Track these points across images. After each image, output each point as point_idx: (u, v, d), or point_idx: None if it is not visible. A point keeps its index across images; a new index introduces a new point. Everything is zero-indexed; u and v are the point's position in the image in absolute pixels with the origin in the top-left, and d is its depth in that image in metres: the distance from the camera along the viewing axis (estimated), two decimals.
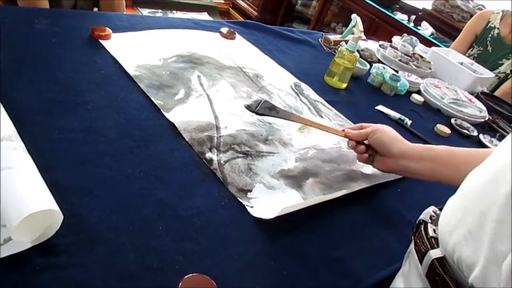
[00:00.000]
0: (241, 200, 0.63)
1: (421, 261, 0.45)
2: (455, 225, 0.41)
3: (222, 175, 0.67)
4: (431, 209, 0.51)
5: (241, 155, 0.73)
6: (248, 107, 0.79)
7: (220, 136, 0.76)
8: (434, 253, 0.43)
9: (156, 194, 0.59)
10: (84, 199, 0.54)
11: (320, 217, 0.67)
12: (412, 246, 0.49)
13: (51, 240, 0.47)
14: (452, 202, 0.46)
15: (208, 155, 0.70)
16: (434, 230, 0.46)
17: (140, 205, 0.57)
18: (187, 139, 0.72)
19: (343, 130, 0.79)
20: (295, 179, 0.72)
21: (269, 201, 0.65)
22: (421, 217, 0.51)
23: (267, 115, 0.79)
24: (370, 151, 0.77)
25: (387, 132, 0.74)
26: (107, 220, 0.53)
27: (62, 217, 0.46)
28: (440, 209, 0.48)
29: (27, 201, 0.44)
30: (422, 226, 0.48)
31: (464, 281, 0.39)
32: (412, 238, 0.50)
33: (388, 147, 0.73)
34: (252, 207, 0.63)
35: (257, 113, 0.78)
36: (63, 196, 0.52)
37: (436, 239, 0.45)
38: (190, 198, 0.61)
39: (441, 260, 0.42)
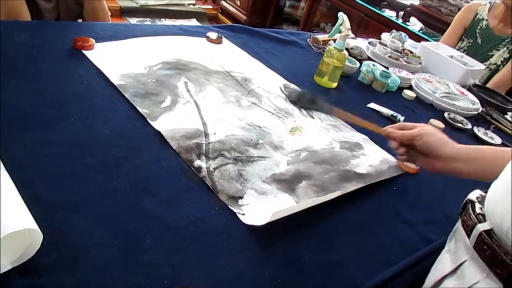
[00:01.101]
0: (232, 208, 0.61)
1: (468, 236, 0.49)
2: (501, 198, 0.46)
3: (212, 183, 0.65)
4: (477, 191, 0.55)
5: (231, 161, 0.71)
6: (288, 97, 0.73)
7: (209, 143, 0.74)
8: (482, 226, 0.47)
9: (143, 206, 0.57)
10: (67, 215, 0.52)
11: (315, 220, 0.65)
12: (459, 223, 0.54)
13: (32, 260, 0.45)
14: (496, 182, 0.51)
15: (197, 162, 0.68)
16: (481, 208, 0.50)
17: (126, 218, 0.55)
18: (174, 147, 0.70)
19: (385, 130, 0.75)
20: (288, 183, 0.70)
21: (261, 207, 0.63)
22: (468, 197, 0.55)
23: (309, 109, 0.74)
24: (411, 152, 0.73)
25: (434, 135, 0.71)
26: (91, 235, 0.51)
27: (42, 236, 0.44)
28: (486, 192, 0.52)
29: (5, 221, 0.42)
30: (470, 205, 0.52)
31: (510, 249, 0.43)
32: (460, 217, 0.55)
33: (438, 151, 0.70)
34: (243, 214, 0.61)
35: (301, 107, 0.74)
36: (45, 212, 0.50)
37: (483, 215, 0.49)
38: (178, 208, 0.59)
39: (489, 232, 0.46)
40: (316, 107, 0.73)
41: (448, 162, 0.70)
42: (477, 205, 0.52)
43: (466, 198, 0.55)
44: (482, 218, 0.49)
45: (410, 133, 0.72)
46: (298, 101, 0.72)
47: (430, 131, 0.72)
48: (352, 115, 0.78)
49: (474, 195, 0.55)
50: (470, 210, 0.51)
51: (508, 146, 1.14)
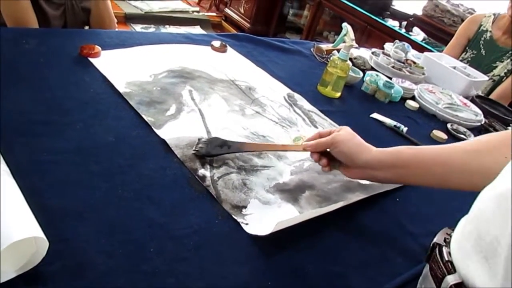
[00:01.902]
0: (235, 217, 0.62)
1: (438, 287, 0.43)
2: (469, 250, 0.40)
3: (216, 192, 0.65)
4: (444, 231, 0.50)
5: (234, 170, 0.72)
6: (197, 153, 0.71)
7: None
8: (452, 279, 0.41)
9: (147, 215, 0.57)
10: (72, 223, 0.52)
11: (318, 231, 0.65)
12: (427, 270, 0.48)
13: (37, 268, 0.45)
14: (463, 225, 0.44)
15: (201, 171, 0.69)
16: (449, 253, 0.44)
17: (131, 227, 0.55)
18: (178, 156, 0.70)
19: (302, 145, 0.74)
20: (291, 193, 0.71)
21: (264, 217, 0.63)
22: (435, 240, 0.49)
23: (220, 154, 0.72)
24: (332, 162, 0.72)
25: (347, 142, 0.68)
26: (95, 243, 0.51)
27: (47, 243, 0.44)
28: (454, 231, 0.46)
29: (11, 229, 0.42)
30: (437, 250, 0.46)
31: None
32: (427, 262, 0.48)
33: (352, 160, 0.68)
34: (247, 224, 0.61)
35: (210, 156, 0.72)
36: (51, 220, 0.50)
37: (452, 263, 0.43)
38: (182, 217, 0.59)
39: (460, 286, 0.40)
40: (226, 150, 0.73)
41: (364, 170, 0.68)
42: (445, 250, 0.45)
43: (433, 241, 0.49)
44: (451, 267, 0.43)
45: (324, 142, 0.70)
46: (207, 151, 0.72)
47: (345, 138, 0.68)
48: (262, 144, 0.79)
49: (441, 236, 0.49)
50: (438, 257, 0.45)
51: None
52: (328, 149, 0.71)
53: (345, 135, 0.69)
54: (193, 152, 0.72)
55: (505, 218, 0.35)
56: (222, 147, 0.73)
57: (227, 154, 0.73)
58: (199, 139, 0.74)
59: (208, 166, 0.70)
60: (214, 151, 0.72)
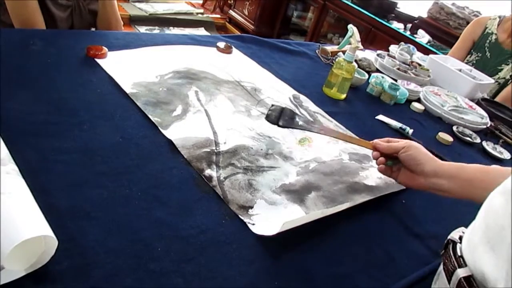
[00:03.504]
0: (242, 218, 0.62)
1: (449, 281, 0.45)
2: (477, 242, 0.42)
3: (222, 192, 0.65)
4: (460, 229, 0.51)
5: (241, 170, 0.72)
6: (268, 118, 0.74)
7: (219, 152, 0.74)
8: (462, 272, 0.43)
9: (155, 214, 0.58)
10: (80, 222, 0.53)
11: (324, 232, 0.65)
12: (441, 266, 0.49)
13: (45, 267, 0.45)
14: (473, 223, 0.46)
15: (207, 172, 0.69)
16: (462, 249, 0.47)
17: (138, 226, 0.55)
18: (185, 156, 0.71)
19: (372, 142, 0.78)
20: (297, 194, 0.71)
21: (271, 218, 0.63)
22: (449, 236, 0.51)
23: (288, 127, 0.74)
24: (389, 162, 0.75)
25: (420, 149, 0.72)
26: (103, 243, 0.51)
27: (56, 242, 0.44)
28: None
29: (20, 228, 0.43)
30: (451, 246, 0.48)
31: None
32: (442, 257, 0.50)
33: (422, 165, 0.71)
34: (253, 224, 0.61)
35: (278, 126, 0.74)
36: (59, 220, 0.51)
37: (463, 258, 0.45)
38: (189, 217, 0.59)
39: (469, 279, 0.42)
40: (296, 125, 0.74)
41: (430, 178, 0.70)
42: (459, 246, 0.48)
43: (448, 237, 0.52)
44: (462, 261, 0.45)
45: (396, 145, 0.74)
46: (279, 121, 0.73)
47: (417, 146, 0.73)
48: (333, 130, 0.80)
49: (456, 233, 0.51)
50: (451, 252, 0.48)
51: None
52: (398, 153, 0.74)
53: (417, 144, 0.74)
54: (265, 117, 0.75)
55: None
56: (293, 120, 0.75)
57: (295, 129, 0.75)
58: (272, 105, 0.77)
59: (215, 167, 0.70)
60: (284, 122, 0.74)
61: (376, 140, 0.78)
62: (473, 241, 0.43)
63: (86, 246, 0.50)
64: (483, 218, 0.43)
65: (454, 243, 0.48)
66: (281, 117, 0.74)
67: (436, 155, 0.73)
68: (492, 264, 0.38)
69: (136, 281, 0.48)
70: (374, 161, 0.87)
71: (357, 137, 0.79)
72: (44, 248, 0.45)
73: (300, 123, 0.74)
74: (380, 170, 0.77)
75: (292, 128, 0.74)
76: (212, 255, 0.54)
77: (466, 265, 0.44)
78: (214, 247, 0.56)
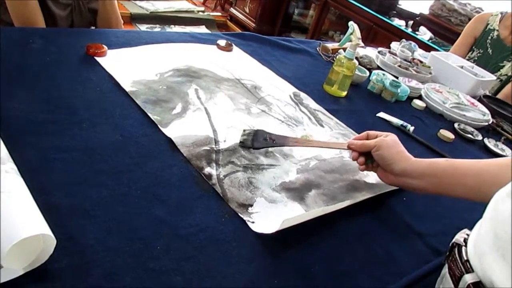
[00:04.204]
0: (242, 216, 0.61)
1: (456, 286, 0.44)
2: (485, 250, 0.40)
3: (222, 190, 0.65)
4: (464, 231, 0.50)
5: (241, 168, 0.72)
6: (242, 144, 0.76)
7: (219, 150, 0.74)
8: (470, 278, 0.42)
9: (154, 213, 0.57)
10: (80, 220, 0.53)
11: (324, 230, 0.65)
12: (445, 270, 0.48)
13: (44, 266, 0.45)
14: (479, 226, 0.45)
15: (207, 170, 0.69)
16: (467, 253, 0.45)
17: (138, 225, 0.55)
18: (185, 154, 0.70)
19: (347, 143, 0.77)
20: (297, 192, 0.70)
21: (270, 216, 0.63)
22: (454, 239, 0.50)
23: (264, 147, 0.76)
24: (369, 160, 0.75)
25: (390, 148, 0.71)
26: (103, 241, 0.51)
27: (55, 241, 0.44)
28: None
29: (19, 227, 0.43)
30: (456, 249, 0.47)
31: None
32: (446, 262, 0.49)
33: (390, 165, 0.71)
34: (253, 222, 0.61)
35: (254, 148, 0.76)
36: (58, 218, 0.51)
37: (470, 263, 0.44)
38: (189, 216, 0.59)
39: (478, 285, 0.41)
40: (270, 144, 0.77)
41: (399, 177, 0.71)
42: (464, 250, 0.46)
43: (453, 241, 0.50)
44: (469, 266, 0.44)
45: (368, 144, 0.73)
46: (253, 143, 0.76)
47: (388, 144, 0.72)
48: (306, 140, 0.80)
49: (461, 236, 0.50)
50: (457, 256, 0.46)
51: None
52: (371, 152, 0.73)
53: (389, 142, 0.72)
54: (239, 143, 0.76)
55: None
56: (267, 140, 0.76)
57: (271, 147, 0.77)
58: (244, 130, 0.79)
59: (214, 165, 0.70)
60: (258, 144, 0.75)
61: (350, 140, 0.77)
62: (481, 248, 0.42)
63: (85, 245, 0.50)
64: (490, 224, 0.42)
65: (460, 246, 0.47)
66: (254, 139, 0.77)
67: (438, 153, 0.74)
68: (502, 273, 0.37)
69: (135, 280, 0.48)
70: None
71: (330, 141, 0.80)
72: (42, 247, 0.44)
73: (274, 140, 0.77)
74: (361, 170, 0.76)
75: (267, 147, 0.77)
76: (211, 253, 0.54)
77: (473, 271, 0.43)
78: (214, 245, 0.56)
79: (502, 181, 0.59)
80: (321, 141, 0.82)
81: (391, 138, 0.73)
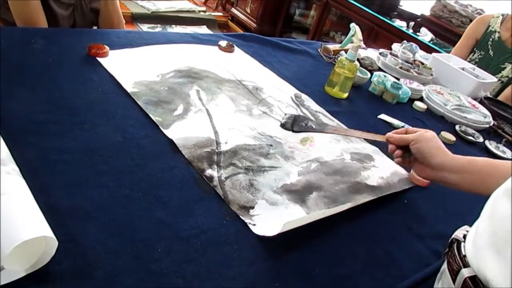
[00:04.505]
0: (243, 218, 0.61)
1: (453, 280, 0.45)
2: (482, 246, 0.41)
3: (223, 192, 0.65)
4: (464, 228, 0.51)
5: (242, 170, 0.72)
6: (283, 126, 0.80)
7: (220, 152, 0.74)
8: (467, 272, 0.43)
9: (155, 214, 0.57)
10: (81, 222, 0.53)
11: (325, 233, 0.65)
12: (445, 266, 0.49)
13: (46, 268, 0.45)
14: (477, 223, 0.46)
15: (208, 171, 0.69)
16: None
17: (139, 226, 0.55)
18: (186, 156, 0.70)
19: (385, 136, 0.79)
20: (299, 194, 0.70)
21: (272, 218, 0.63)
22: (454, 235, 0.51)
23: (304, 131, 0.78)
24: (407, 154, 0.76)
25: (429, 142, 0.72)
26: (104, 243, 0.51)
27: (56, 243, 0.44)
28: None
29: (20, 228, 0.43)
30: (455, 245, 0.48)
31: None
32: (445, 257, 0.50)
33: (428, 159, 0.71)
34: (254, 224, 0.61)
35: (293, 131, 0.78)
36: (59, 219, 0.51)
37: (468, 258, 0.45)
38: (190, 218, 0.59)
39: (474, 279, 0.42)
40: (311, 129, 0.79)
41: (437, 171, 0.71)
42: (463, 245, 0.47)
43: (452, 236, 0.51)
44: (467, 261, 0.45)
45: (407, 137, 0.74)
46: (293, 126, 0.79)
47: (427, 138, 0.72)
48: (345, 129, 0.81)
49: (460, 232, 0.51)
50: (455, 251, 0.47)
51: None
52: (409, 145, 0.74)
53: (429, 136, 0.73)
54: (280, 125, 0.80)
55: None
56: (307, 125, 0.79)
57: (311, 132, 0.80)
58: (285, 114, 0.84)
59: (216, 167, 0.70)
60: (298, 127, 0.78)
61: (389, 133, 0.78)
62: (478, 244, 0.42)
63: (87, 246, 0.50)
64: (488, 221, 0.43)
65: (459, 242, 0.48)
66: (294, 123, 0.80)
67: None
68: (496, 268, 0.38)
69: (136, 282, 0.48)
70: (376, 161, 0.87)
71: (369, 133, 0.80)
72: (44, 249, 0.44)
73: (314, 126, 0.79)
74: (398, 163, 0.78)
75: (306, 131, 0.79)
76: (212, 255, 0.54)
77: (470, 266, 0.44)
78: (215, 247, 0.56)
79: None
80: (359, 131, 0.83)
81: (431, 133, 0.74)
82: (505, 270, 0.37)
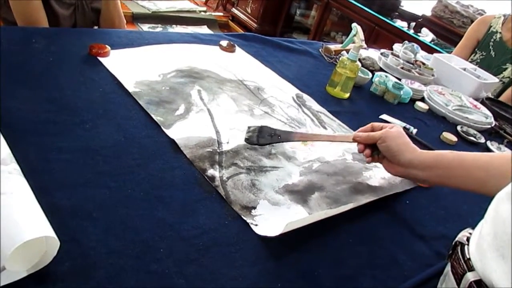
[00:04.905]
0: (245, 218, 0.61)
1: (458, 284, 0.44)
2: (486, 249, 0.41)
3: (225, 192, 0.65)
4: (467, 230, 0.50)
5: (244, 170, 0.71)
6: (247, 141, 0.77)
7: (222, 152, 0.74)
8: (472, 276, 0.42)
9: (157, 215, 0.57)
10: (82, 222, 0.52)
11: (327, 233, 0.65)
12: (448, 268, 0.49)
13: (47, 268, 0.45)
14: (480, 226, 0.45)
15: (210, 172, 0.68)
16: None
17: (140, 227, 0.55)
18: (188, 156, 0.70)
19: (353, 135, 0.78)
20: (300, 194, 0.70)
21: (274, 218, 0.63)
22: (457, 238, 0.50)
23: (270, 143, 0.77)
24: (376, 152, 0.76)
25: (396, 139, 0.72)
26: (106, 243, 0.51)
27: (58, 243, 0.44)
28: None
29: (22, 228, 0.42)
30: (459, 248, 0.48)
31: None
32: (448, 260, 0.50)
33: (397, 157, 0.71)
34: (256, 225, 0.60)
35: (260, 145, 0.76)
36: (60, 220, 0.50)
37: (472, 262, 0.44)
38: (192, 218, 0.59)
39: (480, 283, 0.41)
40: (276, 139, 0.77)
41: (406, 168, 0.71)
42: (467, 248, 0.47)
43: (455, 239, 0.51)
44: (471, 265, 0.44)
45: (373, 136, 0.74)
46: (258, 139, 0.77)
47: (393, 135, 0.72)
48: (311, 134, 0.81)
49: (463, 235, 0.50)
50: (460, 254, 0.47)
51: None
52: (376, 143, 0.74)
53: (395, 133, 0.72)
54: (245, 140, 0.76)
55: None
56: (272, 136, 0.77)
57: (276, 143, 0.78)
58: (248, 127, 0.79)
59: (217, 167, 0.70)
60: (264, 140, 0.76)
61: (355, 133, 0.78)
62: (482, 247, 0.42)
63: (88, 247, 0.49)
64: (491, 224, 0.43)
65: (462, 245, 0.48)
66: (260, 136, 0.77)
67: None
68: (501, 272, 0.38)
69: (138, 282, 0.47)
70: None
71: (336, 134, 0.80)
72: (46, 249, 0.44)
73: (279, 136, 0.78)
74: (368, 162, 0.77)
75: (272, 143, 0.78)
76: (214, 256, 0.54)
77: (475, 269, 0.43)
78: (217, 248, 0.55)
79: (508, 175, 0.59)
80: (326, 135, 0.82)
81: (396, 129, 0.73)
82: (510, 274, 0.36)
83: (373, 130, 0.76)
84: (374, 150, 0.76)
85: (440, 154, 0.70)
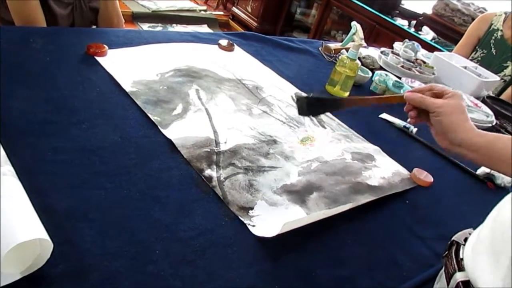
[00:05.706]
0: (242, 219, 0.61)
1: (448, 283, 0.44)
2: (481, 251, 0.40)
3: (222, 193, 0.64)
4: (467, 231, 0.50)
5: (241, 170, 0.71)
6: (300, 113, 0.77)
7: (219, 152, 0.73)
8: (460, 276, 0.42)
9: (153, 215, 0.57)
10: (77, 224, 0.52)
11: (325, 233, 0.64)
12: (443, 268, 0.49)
13: (41, 270, 0.44)
14: (480, 230, 0.45)
15: (207, 172, 0.68)
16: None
17: (136, 228, 0.54)
18: (185, 156, 0.70)
19: (403, 94, 0.73)
20: (299, 194, 0.70)
21: (271, 219, 0.62)
22: (454, 237, 0.50)
23: (321, 113, 0.77)
24: (422, 114, 0.71)
25: (451, 115, 0.66)
26: (101, 245, 0.50)
27: (52, 245, 0.44)
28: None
29: (15, 231, 0.42)
30: (454, 247, 0.47)
31: None
32: (443, 259, 0.50)
33: (447, 134, 0.67)
34: (254, 226, 0.60)
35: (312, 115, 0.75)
36: (55, 221, 0.50)
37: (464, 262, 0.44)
38: (188, 219, 0.58)
39: (467, 284, 0.41)
40: (328, 109, 0.76)
41: (456, 146, 0.67)
42: (462, 248, 0.46)
43: (453, 238, 0.50)
44: (463, 264, 0.44)
45: (427, 104, 0.68)
46: (308, 110, 0.75)
47: (450, 111, 0.67)
48: (363, 97, 0.79)
49: (462, 235, 0.49)
50: (453, 254, 0.47)
51: None
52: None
53: (451, 109, 0.67)
54: (298, 112, 0.77)
55: None
56: (322, 107, 0.78)
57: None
58: (297, 99, 0.78)
59: (215, 167, 0.69)
60: (315, 110, 0.77)
61: (409, 92, 0.72)
62: (477, 249, 0.42)
63: (83, 248, 0.49)
64: (490, 228, 0.42)
65: (458, 245, 0.47)
66: (309, 108, 0.76)
67: (441, 155, 0.71)
68: (492, 276, 0.37)
69: (134, 284, 0.47)
70: (377, 160, 0.86)
71: (384, 96, 0.78)
72: (40, 251, 0.44)
73: (330, 106, 0.78)
74: (411, 123, 0.74)
75: (325, 112, 0.78)
76: (211, 257, 0.54)
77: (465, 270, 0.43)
78: (214, 249, 0.55)
79: None
80: (374, 97, 0.81)
81: (455, 102, 0.67)
82: (498, 276, 0.36)
83: (431, 92, 0.70)
84: (421, 112, 0.71)
85: (492, 142, 0.64)
